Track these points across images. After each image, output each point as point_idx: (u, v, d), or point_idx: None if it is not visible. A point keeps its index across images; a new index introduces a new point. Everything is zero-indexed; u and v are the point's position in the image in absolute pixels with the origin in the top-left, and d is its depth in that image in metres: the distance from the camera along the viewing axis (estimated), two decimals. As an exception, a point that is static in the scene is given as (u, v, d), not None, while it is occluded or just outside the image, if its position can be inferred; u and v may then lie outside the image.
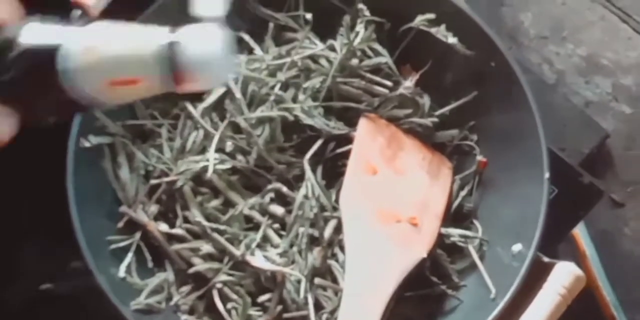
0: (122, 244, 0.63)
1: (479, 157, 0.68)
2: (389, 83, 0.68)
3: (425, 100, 0.69)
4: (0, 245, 0.71)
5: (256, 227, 0.64)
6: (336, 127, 0.66)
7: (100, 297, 0.58)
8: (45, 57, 0.39)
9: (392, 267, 0.61)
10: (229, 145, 0.65)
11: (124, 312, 0.58)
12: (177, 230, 0.64)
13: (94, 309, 0.62)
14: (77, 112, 0.46)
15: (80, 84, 0.39)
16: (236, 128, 0.66)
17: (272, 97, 0.65)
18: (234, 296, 0.62)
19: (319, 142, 0.65)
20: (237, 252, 0.62)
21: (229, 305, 0.62)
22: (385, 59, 0.68)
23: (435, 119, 0.69)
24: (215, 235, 0.63)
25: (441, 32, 0.67)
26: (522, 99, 0.64)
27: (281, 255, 0.63)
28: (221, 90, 0.66)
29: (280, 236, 0.64)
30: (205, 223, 0.63)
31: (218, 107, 0.67)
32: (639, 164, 0.89)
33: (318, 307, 0.62)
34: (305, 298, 0.62)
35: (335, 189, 0.66)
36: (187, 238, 0.64)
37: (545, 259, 0.63)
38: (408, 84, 0.68)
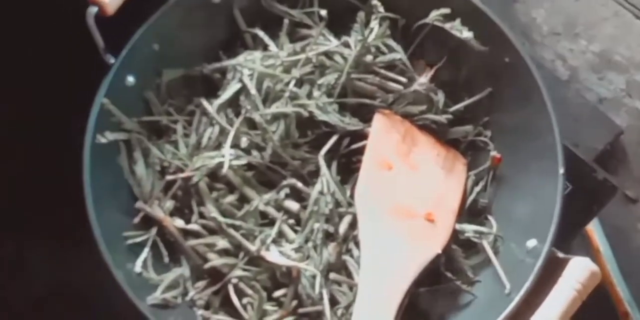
0: (138, 240, 0.63)
1: (493, 153, 0.68)
2: (403, 79, 0.68)
3: (440, 97, 0.69)
4: (7, 243, 0.72)
5: (271, 222, 0.65)
6: (351, 123, 0.67)
7: (114, 294, 0.58)
8: None
9: (407, 262, 0.62)
10: (244, 141, 0.65)
11: (141, 307, 0.58)
12: (193, 226, 0.64)
13: (100, 307, 0.62)
14: None
15: None
16: (251, 124, 0.66)
17: (287, 94, 0.65)
18: (250, 291, 0.63)
19: (334, 138, 0.66)
20: (253, 248, 0.62)
21: (245, 300, 0.63)
22: (399, 55, 0.68)
23: (450, 116, 0.69)
24: (231, 230, 0.63)
25: (456, 27, 0.67)
26: (536, 95, 0.64)
27: (296, 250, 0.63)
28: (236, 87, 0.66)
29: (295, 232, 0.65)
30: (220, 219, 0.63)
31: (233, 103, 0.67)
32: None
33: (333, 302, 0.62)
34: (321, 293, 0.62)
35: (350, 185, 0.66)
36: (202, 233, 0.64)
37: (560, 255, 0.62)
38: (422, 80, 0.68)
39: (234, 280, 0.62)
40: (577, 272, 0.60)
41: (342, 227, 0.64)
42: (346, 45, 0.68)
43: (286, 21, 0.68)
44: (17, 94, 0.74)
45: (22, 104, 0.74)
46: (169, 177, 0.65)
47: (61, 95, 0.71)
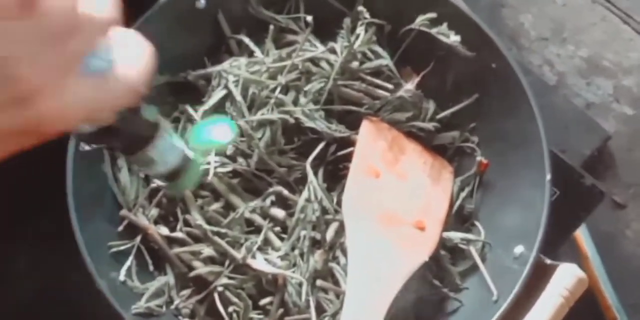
0: (122, 248, 0.63)
1: (480, 158, 0.69)
2: (389, 86, 0.68)
3: (430, 105, 0.69)
4: None
5: (257, 230, 0.65)
6: (337, 130, 0.67)
7: (98, 301, 0.58)
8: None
9: (395, 270, 0.62)
10: (229, 148, 0.65)
11: (125, 316, 0.58)
12: (178, 234, 0.64)
13: (91, 313, 0.62)
14: None
15: None
16: (237, 131, 0.65)
17: (272, 100, 0.65)
18: (235, 299, 0.62)
19: (321, 145, 0.66)
20: (238, 255, 0.62)
21: (230, 309, 0.62)
22: (385, 61, 0.68)
23: (437, 124, 0.70)
24: (216, 238, 0.63)
25: (442, 31, 0.67)
26: (523, 101, 0.64)
27: (282, 258, 0.63)
28: (222, 93, 0.66)
29: (281, 239, 0.65)
30: (206, 226, 0.63)
31: (218, 110, 0.67)
32: None
33: (320, 310, 0.62)
34: (307, 301, 0.62)
35: (337, 192, 0.66)
36: (187, 241, 0.64)
37: (548, 261, 0.63)
38: (409, 87, 0.68)
39: (220, 289, 0.62)
40: (565, 278, 0.60)
41: (329, 235, 0.64)
42: (332, 51, 0.68)
43: (272, 27, 0.68)
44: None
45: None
46: (153, 185, 0.65)
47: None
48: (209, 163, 0.63)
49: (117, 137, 0.40)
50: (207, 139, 0.49)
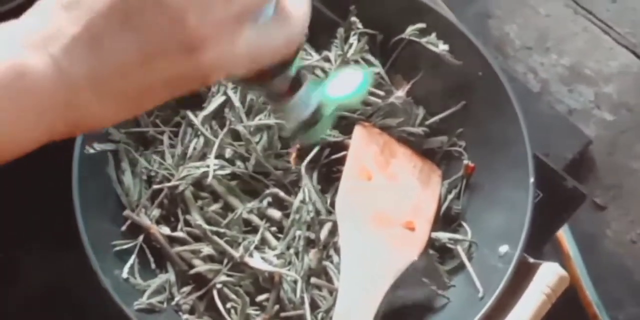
0: (125, 247, 0.64)
1: (467, 162, 0.69)
2: (381, 93, 0.69)
3: (420, 112, 0.70)
4: (3, 248, 0.71)
5: (254, 230, 0.65)
6: (331, 135, 0.68)
7: (101, 300, 0.59)
8: None
9: (385, 268, 0.62)
10: (228, 152, 0.66)
11: (128, 311, 0.59)
12: (179, 233, 0.65)
13: (95, 310, 0.63)
14: None
15: None
16: (235, 135, 0.67)
17: (269, 106, 0.66)
18: (233, 296, 0.63)
19: (315, 149, 0.67)
20: (236, 254, 0.63)
21: (229, 305, 0.63)
22: (377, 69, 0.69)
23: (426, 129, 0.71)
24: (215, 237, 0.64)
25: (431, 41, 0.68)
26: (508, 107, 0.65)
27: (278, 256, 0.64)
28: (221, 99, 0.67)
29: (278, 239, 0.65)
30: (205, 226, 0.64)
31: (218, 115, 0.68)
32: (621, 168, 0.90)
33: (314, 306, 0.63)
34: (302, 298, 0.62)
35: (330, 194, 0.67)
36: (188, 241, 0.65)
37: (531, 260, 0.63)
38: (399, 94, 0.69)
39: (218, 286, 0.63)
40: (547, 277, 0.61)
41: (323, 234, 0.65)
42: (326, 59, 0.69)
43: None
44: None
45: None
46: (155, 186, 0.66)
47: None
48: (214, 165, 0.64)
49: (271, 83, 0.41)
50: (340, 91, 0.51)
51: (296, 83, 0.44)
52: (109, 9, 0.31)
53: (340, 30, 0.69)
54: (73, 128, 0.34)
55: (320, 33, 0.69)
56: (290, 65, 0.41)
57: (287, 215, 0.66)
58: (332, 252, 0.65)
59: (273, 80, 0.41)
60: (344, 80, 0.53)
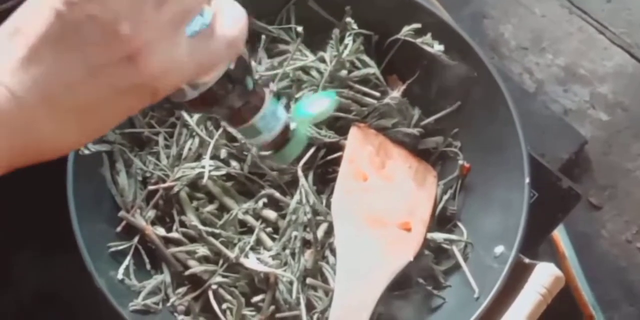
0: (120, 248, 0.64)
1: (462, 162, 0.69)
2: (376, 93, 0.69)
3: (415, 112, 0.71)
4: None
5: (250, 230, 0.66)
6: (327, 135, 0.68)
7: (95, 303, 0.59)
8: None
9: (381, 269, 0.63)
10: (223, 153, 0.66)
11: (123, 313, 0.59)
12: (174, 234, 0.65)
13: (90, 311, 0.63)
14: None
15: None
16: (230, 136, 0.67)
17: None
18: (229, 297, 0.63)
19: (311, 150, 0.67)
20: (232, 255, 0.63)
21: (224, 306, 0.63)
22: (373, 70, 0.69)
23: (422, 130, 0.71)
24: (211, 238, 0.64)
25: (426, 41, 0.68)
26: (504, 107, 0.65)
27: (274, 257, 0.64)
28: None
29: (273, 239, 0.66)
30: (201, 227, 0.64)
31: (213, 116, 0.67)
32: (616, 169, 0.90)
33: (309, 307, 0.63)
34: (297, 298, 0.63)
35: (326, 194, 0.67)
36: (183, 241, 0.65)
37: (526, 260, 0.63)
38: (395, 95, 0.69)
39: (214, 287, 0.63)
40: (542, 277, 0.61)
41: (319, 235, 0.65)
42: (322, 60, 0.69)
43: (264, 37, 0.70)
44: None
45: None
46: (150, 187, 0.66)
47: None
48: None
49: (221, 105, 0.41)
50: (309, 111, 0.51)
51: (258, 103, 0.44)
52: (47, 31, 0.32)
53: (336, 31, 0.69)
54: (36, 153, 0.34)
55: (315, 33, 0.70)
56: (243, 80, 0.42)
57: (282, 216, 0.66)
58: (327, 252, 0.65)
59: (227, 97, 0.41)
60: (311, 101, 0.54)
